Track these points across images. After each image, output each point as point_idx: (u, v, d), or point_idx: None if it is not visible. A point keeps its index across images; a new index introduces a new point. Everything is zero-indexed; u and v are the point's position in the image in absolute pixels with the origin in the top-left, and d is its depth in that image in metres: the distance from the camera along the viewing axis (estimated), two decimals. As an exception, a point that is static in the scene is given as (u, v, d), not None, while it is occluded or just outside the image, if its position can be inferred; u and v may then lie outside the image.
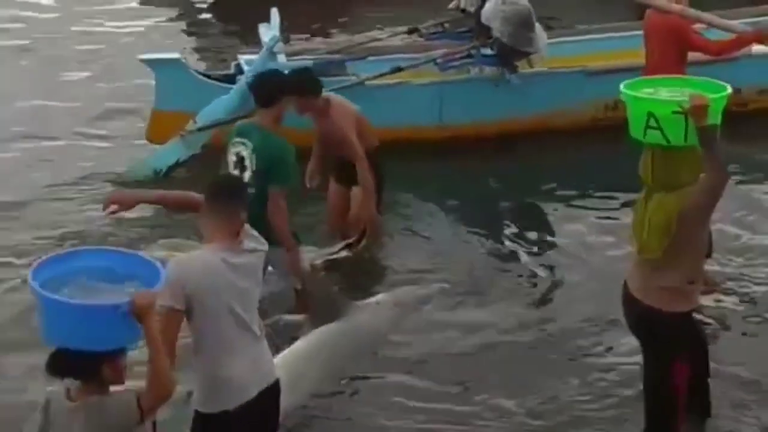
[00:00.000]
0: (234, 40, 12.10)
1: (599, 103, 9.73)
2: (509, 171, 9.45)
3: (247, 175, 6.50)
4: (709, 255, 5.73)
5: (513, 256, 8.12)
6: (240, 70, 9.56)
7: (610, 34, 10.65)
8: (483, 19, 9.34)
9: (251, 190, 6.07)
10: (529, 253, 8.13)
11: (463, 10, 9.82)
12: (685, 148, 5.35)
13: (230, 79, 9.42)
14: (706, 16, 8.55)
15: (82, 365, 4.26)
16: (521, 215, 8.96)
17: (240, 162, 6.60)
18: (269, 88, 6.71)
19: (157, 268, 4.45)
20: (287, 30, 9.97)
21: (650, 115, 5.35)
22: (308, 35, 12.16)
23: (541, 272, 7.82)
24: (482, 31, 9.46)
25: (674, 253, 5.39)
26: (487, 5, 9.31)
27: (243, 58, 9.74)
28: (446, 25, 10.11)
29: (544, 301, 7.50)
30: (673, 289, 5.47)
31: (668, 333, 5.55)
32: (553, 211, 8.86)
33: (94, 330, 4.22)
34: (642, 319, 5.64)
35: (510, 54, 9.36)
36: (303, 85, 7.22)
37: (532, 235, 8.48)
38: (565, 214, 8.77)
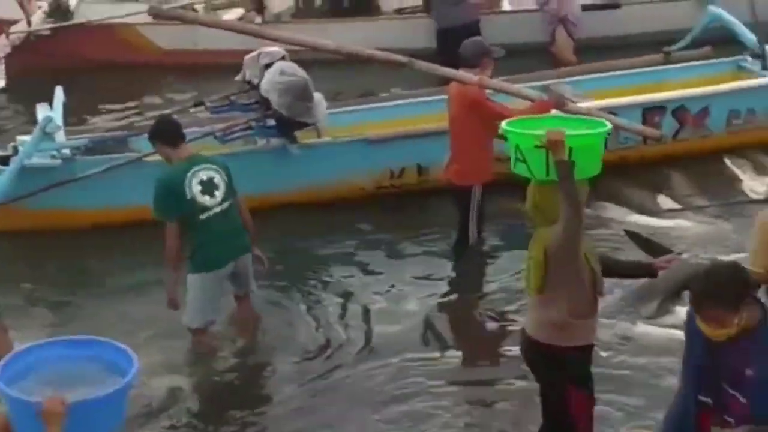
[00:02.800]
0: (20, 121, 11.86)
1: (384, 171, 9.81)
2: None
3: (219, 194, 7.30)
4: (600, 293, 5.64)
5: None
6: (17, 152, 9.38)
7: (400, 101, 10.77)
8: (262, 91, 9.31)
9: (228, 203, 7.32)
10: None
11: (249, 82, 9.78)
12: (556, 182, 5.39)
13: (7, 161, 9.22)
14: (505, 85, 8.69)
15: None
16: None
17: (209, 183, 7.28)
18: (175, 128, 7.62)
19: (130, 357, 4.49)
20: (77, 108, 9.82)
21: (517, 148, 5.51)
22: (101, 113, 12.03)
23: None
24: (264, 103, 9.46)
25: (554, 288, 5.47)
26: (266, 77, 9.29)
27: (20, 139, 9.58)
28: (233, 97, 10.01)
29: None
30: (560, 323, 5.51)
31: (561, 366, 5.59)
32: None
33: (24, 423, 4.24)
34: (536, 354, 5.70)
35: (289, 125, 9.33)
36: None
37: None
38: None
